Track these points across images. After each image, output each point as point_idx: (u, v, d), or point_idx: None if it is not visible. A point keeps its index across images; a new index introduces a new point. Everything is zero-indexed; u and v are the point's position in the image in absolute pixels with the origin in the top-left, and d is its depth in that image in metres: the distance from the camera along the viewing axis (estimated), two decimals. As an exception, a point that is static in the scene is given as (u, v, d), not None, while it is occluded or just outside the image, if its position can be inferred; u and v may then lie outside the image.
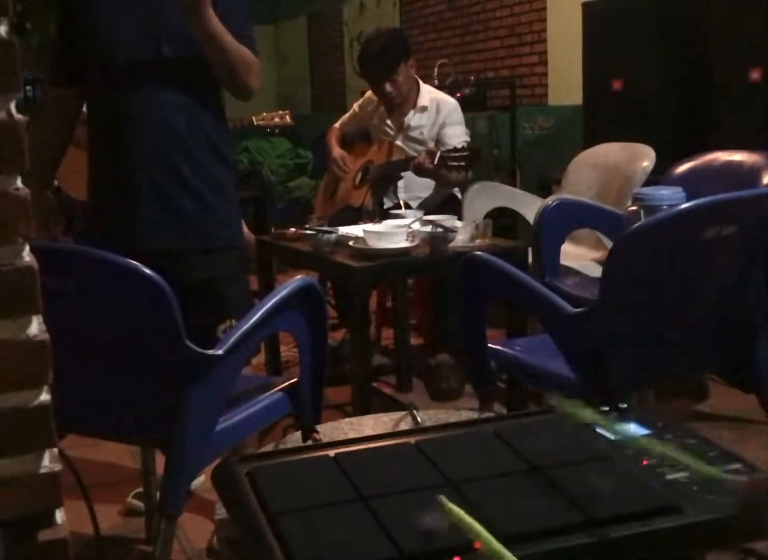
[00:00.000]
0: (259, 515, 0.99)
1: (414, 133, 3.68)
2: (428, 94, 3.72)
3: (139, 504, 2.51)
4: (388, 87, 3.58)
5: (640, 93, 3.87)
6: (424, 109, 3.67)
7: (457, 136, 3.62)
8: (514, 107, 4.98)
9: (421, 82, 3.75)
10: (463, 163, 3.15)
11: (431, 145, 3.62)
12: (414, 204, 3.64)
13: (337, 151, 3.83)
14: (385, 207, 3.59)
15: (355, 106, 3.96)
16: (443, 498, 0.90)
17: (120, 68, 2.19)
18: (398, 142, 3.70)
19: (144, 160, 2.22)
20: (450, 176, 3.35)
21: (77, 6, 2.24)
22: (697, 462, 1.00)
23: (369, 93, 3.89)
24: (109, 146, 2.29)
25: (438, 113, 3.66)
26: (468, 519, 0.86)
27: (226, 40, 2.12)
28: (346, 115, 3.99)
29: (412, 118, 3.68)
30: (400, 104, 3.67)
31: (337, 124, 3.98)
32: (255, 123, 4.31)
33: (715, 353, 2.16)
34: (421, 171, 3.32)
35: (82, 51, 2.24)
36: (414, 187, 3.66)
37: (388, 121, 3.74)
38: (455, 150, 3.19)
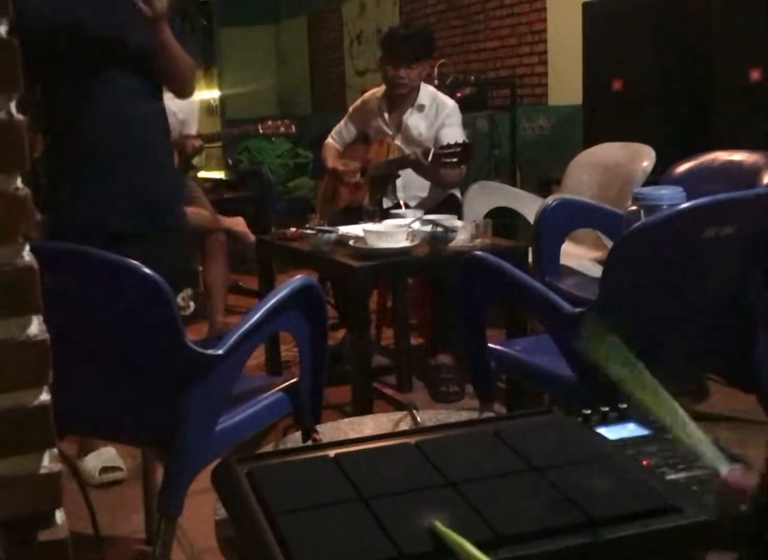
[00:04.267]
0: (259, 515, 0.99)
1: (413, 133, 3.68)
2: (428, 93, 3.72)
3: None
4: (402, 72, 3.58)
5: (640, 93, 3.86)
6: (422, 107, 3.67)
7: (454, 137, 3.62)
8: (514, 107, 4.98)
9: (422, 82, 3.76)
10: (455, 159, 3.15)
11: (430, 146, 3.62)
12: (413, 203, 3.64)
13: (338, 163, 3.81)
14: (385, 207, 3.59)
15: (351, 109, 3.94)
16: (437, 524, 0.91)
17: (76, 64, 2.42)
18: (397, 142, 3.70)
19: (104, 147, 2.44)
20: (445, 175, 3.36)
21: (33, 7, 2.41)
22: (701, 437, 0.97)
23: (367, 94, 3.88)
24: (69, 136, 2.47)
25: (437, 115, 3.66)
26: (466, 545, 0.86)
27: (178, 49, 2.50)
28: (340, 125, 3.94)
29: (410, 117, 3.68)
30: (401, 97, 3.67)
31: (329, 140, 3.94)
32: (261, 132, 4.33)
33: (715, 353, 2.16)
34: (419, 168, 3.32)
35: (35, 46, 2.36)
36: (413, 186, 3.66)
37: (387, 121, 3.74)
38: (449, 146, 3.19)
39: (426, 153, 3.21)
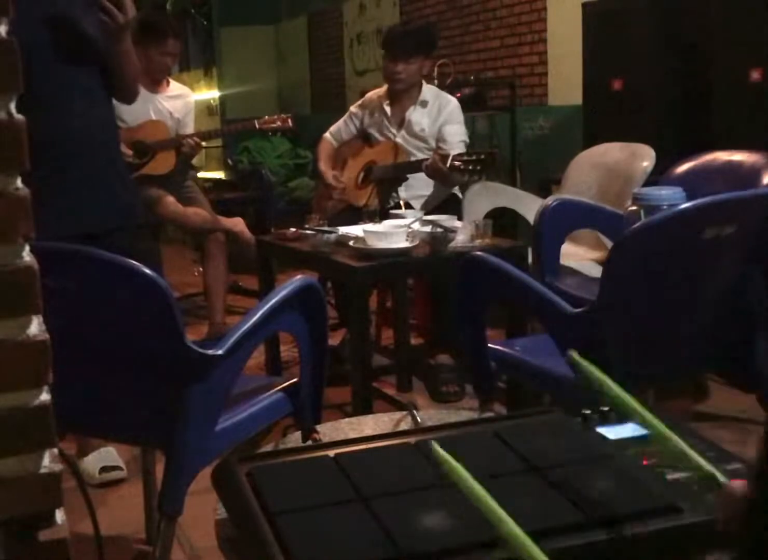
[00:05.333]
0: (259, 515, 0.99)
1: (415, 129, 3.68)
2: (431, 91, 3.76)
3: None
4: (400, 66, 3.60)
5: (640, 93, 3.86)
6: (425, 103, 3.69)
7: (457, 134, 3.64)
8: (514, 107, 4.98)
9: (424, 81, 3.77)
10: (478, 167, 3.11)
11: (432, 142, 3.64)
12: (415, 203, 3.63)
13: (329, 173, 3.81)
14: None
15: (353, 108, 3.93)
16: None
17: (40, 63, 2.39)
18: (398, 139, 3.70)
19: (67, 147, 2.44)
20: (460, 179, 3.38)
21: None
22: (700, 461, 1.00)
23: (370, 93, 3.89)
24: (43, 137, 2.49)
25: (440, 111, 3.68)
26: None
27: (134, 56, 2.61)
28: (339, 123, 3.94)
29: (413, 113, 3.70)
30: (403, 93, 3.68)
31: (327, 135, 3.95)
32: (257, 127, 4.30)
33: (715, 353, 2.16)
34: (434, 172, 3.30)
35: None
36: (415, 186, 3.65)
37: (389, 117, 3.74)
38: (468, 153, 3.18)
39: (444, 158, 3.18)
